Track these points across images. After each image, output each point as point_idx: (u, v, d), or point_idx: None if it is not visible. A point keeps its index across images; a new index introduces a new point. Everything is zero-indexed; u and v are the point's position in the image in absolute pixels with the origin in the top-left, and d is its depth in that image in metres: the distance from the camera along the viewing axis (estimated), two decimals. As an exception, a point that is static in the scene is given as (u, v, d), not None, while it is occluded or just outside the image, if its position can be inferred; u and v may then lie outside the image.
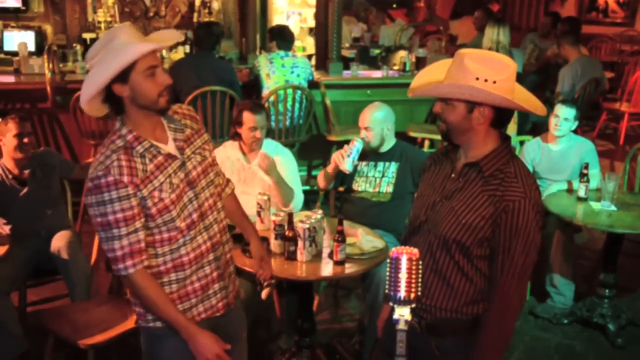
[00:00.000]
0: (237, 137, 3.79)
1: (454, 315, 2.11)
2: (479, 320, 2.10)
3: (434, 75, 2.13)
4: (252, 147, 3.77)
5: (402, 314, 1.52)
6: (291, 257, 2.99)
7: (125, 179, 2.05)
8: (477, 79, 1.95)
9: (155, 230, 2.14)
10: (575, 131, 4.35)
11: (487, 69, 1.95)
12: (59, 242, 3.52)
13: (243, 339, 2.56)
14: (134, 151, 2.09)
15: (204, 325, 2.25)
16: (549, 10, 10.18)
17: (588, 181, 3.95)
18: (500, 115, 2.03)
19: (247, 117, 3.68)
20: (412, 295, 1.52)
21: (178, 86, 5.19)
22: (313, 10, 7.53)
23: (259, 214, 3.39)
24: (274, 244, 3.06)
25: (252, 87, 5.60)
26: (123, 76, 2.03)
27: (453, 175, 2.14)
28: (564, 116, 4.15)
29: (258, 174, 3.79)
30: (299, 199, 3.78)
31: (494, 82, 1.95)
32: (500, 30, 5.76)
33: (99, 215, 2.05)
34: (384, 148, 3.78)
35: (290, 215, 3.02)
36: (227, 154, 3.83)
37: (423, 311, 2.14)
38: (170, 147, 2.19)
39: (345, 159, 3.56)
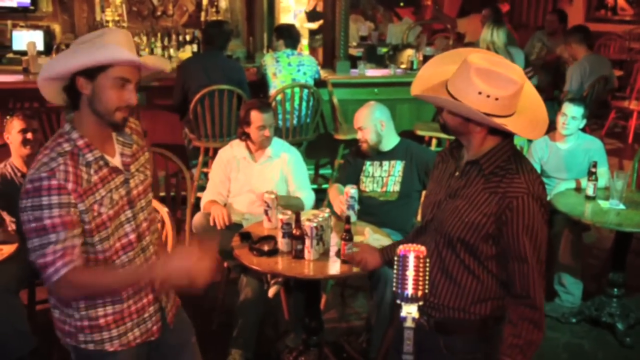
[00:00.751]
0: (244, 136, 3.80)
1: (462, 315, 2.11)
2: (487, 320, 2.10)
3: (439, 74, 2.10)
4: (261, 146, 3.78)
5: (410, 311, 1.52)
6: (299, 255, 2.99)
7: (70, 186, 1.93)
8: (480, 93, 1.93)
9: (91, 249, 2.02)
10: (583, 129, 4.34)
11: (491, 86, 1.93)
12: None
13: (192, 344, 2.47)
14: (81, 158, 1.99)
15: (140, 349, 2.19)
16: (556, 8, 10.14)
17: (596, 180, 3.93)
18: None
19: (255, 116, 3.69)
20: (420, 292, 1.51)
21: (186, 85, 5.21)
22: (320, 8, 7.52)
23: (266, 212, 3.39)
24: (282, 243, 3.07)
25: (259, 86, 5.61)
26: (91, 73, 1.96)
27: (457, 173, 2.14)
28: (571, 114, 4.14)
29: (264, 173, 3.80)
30: (309, 196, 3.79)
31: (496, 99, 1.93)
32: (494, 32, 5.72)
33: (34, 220, 1.90)
34: (387, 146, 3.77)
35: (297, 214, 3.02)
36: (234, 153, 3.84)
37: (431, 309, 2.14)
38: (116, 161, 2.11)
39: (348, 212, 3.45)
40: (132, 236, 2.13)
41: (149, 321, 2.22)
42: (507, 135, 2.07)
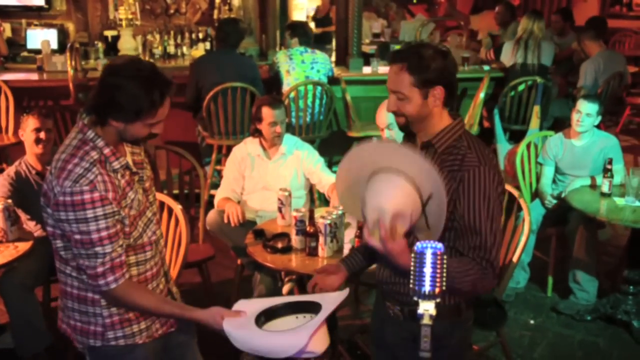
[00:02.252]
0: (257, 133, 3.80)
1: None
2: (460, 305, 2.13)
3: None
4: (273, 142, 3.78)
5: (427, 308, 1.51)
6: (312, 252, 2.99)
7: (110, 195, 1.97)
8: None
9: (128, 249, 2.08)
10: (598, 126, 4.30)
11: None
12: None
13: (195, 343, 2.51)
14: (109, 166, 2.02)
15: (159, 342, 2.24)
16: (571, 5, 10.07)
17: (612, 177, 3.90)
18: (451, 92, 2.07)
19: (267, 113, 3.70)
20: (437, 289, 1.51)
21: (200, 83, 5.21)
22: (333, 6, 7.52)
23: (280, 209, 3.39)
24: (295, 240, 3.07)
25: (272, 83, 5.61)
26: (128, 119, 2.00)
27: None
28: (586, 111, 4.10)
29: (278, 170, 3.80)
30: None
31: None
32: (536, 23, 5.97)
33: (79, 232, 1.94)
34: None
35: (311, 211, 3.02)
36: (248, 150, 3.85)
37: (404, 296, 2.15)
38: (130, 162, 2.14)
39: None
40: (158, 232, 2.23)
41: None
42: (456, 117, 2.13)
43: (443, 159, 2.06)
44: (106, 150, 2.02)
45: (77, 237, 1.95)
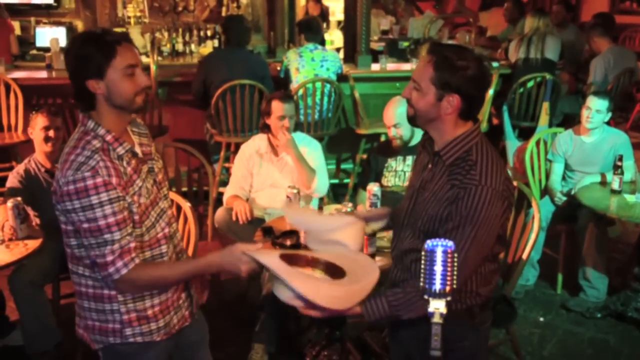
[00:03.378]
0: (265, 128, 3.80)
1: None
2: (472, 307, 2.11)
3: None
4: (281, 137, 3.77)
5: (437, 307, 1.51)
6: (321, 250, 2.98)
7: (114, 180, 1.96)
8: None
9: (139, 239, 2.06)
10: (608, 123, 4.28)
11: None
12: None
13: (206, 343, 2.51)
14: (113, 153, 2.01)
15: (172, 340, 2.24)
16: (581, 1, 10.01)
17: (622, 173, 3.88)
18: (470, 105, 2.01)
19: (276, 106, 3.70)
20: (448, 288, 1.50)
21: (208, 80, 5.21)
22: (341, 3, 7.50)
23: (288, 207, 3.38)
24: (304, 237, 3.06)
25: (280, 81, 5.59)
26: (98, 71, 1.97)
27: (429, 165, 2.14)
28: (596, 108, 4.08)
29: (287, 167, 3.80)
30: (323, 183, 3.78)
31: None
32: (541, 20, 6.05)
33: (87, 220, 1.93)
34: (415, 141, 3.75)
35: (320, 209, 3.01)
36: (256, 147, 3.85)
37: None
38: (138, 151, 2.13)
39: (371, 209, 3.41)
40: (173, 224, 2.22)
41: (183, 307, 2.27)
42: (475, 122, 2.08)
43: (451, 170, 2.03)
44: (108, 137, 2.01)
45: (85, 225, 1.94)
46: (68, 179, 1.92)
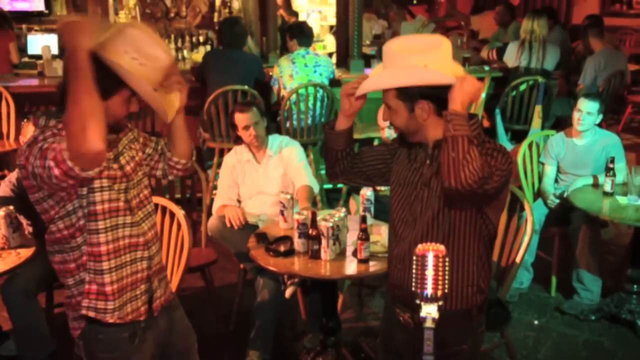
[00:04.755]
0: (239, 140, 3.84)
1: (446, 306, 2.09)
2: (471, 310, 2.11)
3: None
4: (253, 145, 3.79)
5: (429, 311, 1.51)
6: (315, 256, 2.98)
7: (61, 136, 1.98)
8: (406, 67, 2.00)
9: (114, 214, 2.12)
10: (600, 125, 4.29)
11: (411, 51, 1.98)
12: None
13: (194, 352, 2.51)
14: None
15: (155, 349, 2.26)
16: (572, 3, 10.07)
17: (614, 175, 3.89)
18: (441, 104, 2.01)
19: (238, 118, 3.74)
20: (439, 292, 1.51)
21: (207, 79, 5.32)
22: (333, 8, 7.51)
23: (282, 213, 3.39)
24: (298, 243, 3.06)
25: (266, 89, 5.61)
26: (105, 94, 1.97)
27: (428, 161, 2.13)
28: (586, 110, 4.09)
29: (268, 173, 3.81)
30: (314, 183, 3.78)
31: (425, 65, 1.98)
32: (535, 21, 5.93)
33: (39, 158, 1.93)
34: None
35: (313, 214, 3.02)
36: (238, 157, 3.87)
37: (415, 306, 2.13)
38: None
39: (364, 213, 3.38)
40: (121, 204, 2.17)
41: (139, 299, 2.25)
42: None
43: None
44: (60, 125, 2.01)
45: (38, 162, 1.93)
46: (23, 148, 1.99)
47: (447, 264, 1.52)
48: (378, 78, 2.08)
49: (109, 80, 1.99)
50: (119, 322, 2.19)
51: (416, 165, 2.17)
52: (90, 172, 1.94)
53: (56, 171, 1.90)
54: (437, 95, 2.01)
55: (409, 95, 2.01)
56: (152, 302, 2.30)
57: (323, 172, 5.28)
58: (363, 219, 2.91)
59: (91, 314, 2.16)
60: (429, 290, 1.50)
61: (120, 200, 2.15)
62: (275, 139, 3.90)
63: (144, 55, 2.03)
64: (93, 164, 1.91)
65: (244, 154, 3.85)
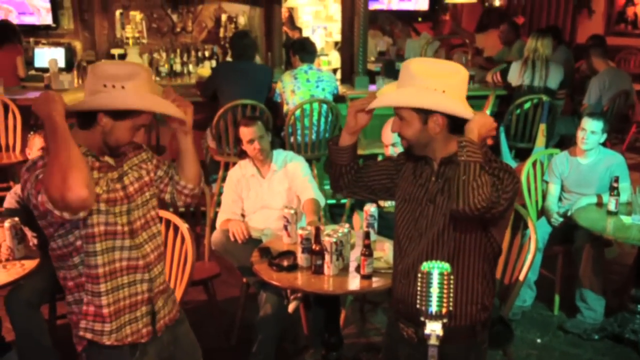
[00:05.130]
0: (243, 154, 3.86)
1: (450, 322, 2.09)
2: (475, 325, 2.11)
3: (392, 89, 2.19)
4: (257, 159, 3.80)
5: (434, 329, 1.51)
6: (318, 271, 2.98)
7: None
8: (427, 89, 2.01)
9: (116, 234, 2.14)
10: (604, 144, 4.30)
11: (434, 75, 2.01)
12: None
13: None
14: None
15: (125, 350, 2.23)
16: (576, 23, 10.11)
17: (618, 195, 3.89)
18: (455, 120, 2.05)
19: (243, 132, 3.77)
20: (444, 309, 1.51)
21: (219, 90, 5.37)
22: (338, 24, 7.56)
23: (285, 227, 3.39)
24: (301, 258, 3.06)
25: (272, 105, 5.64)
26: (118, 115, 2.06)
27: (433, 178, 2.15)
28: (591, 129, 4.10)
29: (273, 187, 3.82)
30: (320, 197, 3.78)
31: (443, 91, 2.01)
32: (539, 41, 5.92)
33: (33, 187, 1.98)
34: None
35: (317, 229, 3.02)
36: (242, 172, 3.88)
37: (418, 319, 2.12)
38: (109, 159, 2.20)
39: (368, 229, 3.40)
40: (124, 227, 2.19)
41: (140, 321, 2.24)
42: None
43: None
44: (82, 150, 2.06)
45: (34, 192, 1.97)
46: (23, 171, 2.04)
47: (452, 281, 1.52)
48: (397, 95, 2.10)
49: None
50: (116, 344, 2.19)
51: (421, 181, 2.18)
52: (81, 214, 2.00)
53: (48, 208, 1.96)
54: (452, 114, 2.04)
55: (425, 108, 2.04)
56: (155, 322, 2.29)
57: (327, 187, 5.29)
58: (366, 235, 2.91)
59: (88, 335, 2.17)
60: (433, 308, 1.51)
61: (118, 224, 2.16)
62: (279, 154, 3.91)
63: (120, 77, 2.07)
64: (80, 209, 1.96)
65: (249, 169, 3.87)
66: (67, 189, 1.87)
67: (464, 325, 2.10)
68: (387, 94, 2.13)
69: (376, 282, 2.92)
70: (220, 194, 5.22)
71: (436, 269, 1.51)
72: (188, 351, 2.42)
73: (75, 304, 2.17)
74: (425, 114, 2.04)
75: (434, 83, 2.01)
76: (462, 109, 2.02)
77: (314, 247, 3.00)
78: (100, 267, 2.12)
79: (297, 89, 5.45)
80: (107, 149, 2.15)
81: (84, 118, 2.10)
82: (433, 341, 1.50)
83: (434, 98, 2.01)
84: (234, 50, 5.64)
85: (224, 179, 5.23)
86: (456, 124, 2.06)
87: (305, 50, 5.63)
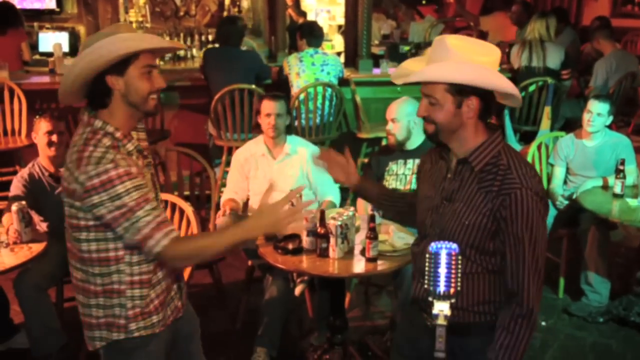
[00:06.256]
0: (257, 128, 3.85)
1: (473, 316, 2.07)
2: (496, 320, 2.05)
3: (418, 65, 2.11)
4: (268, 135, 3.78)
5: (442, 309, 1.52)
6: (323, 254, 2.98)
7: (133, 170, 2.01)
8: (468, 63, 1.93)
9: None
10: (610, 127, 4.28)
11: (471, 51, 1.92)
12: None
13: (198, 336, 2.53)
14: (123, 149, 2.05)
15: (169, 334, 2.26)
16: (582, 4, 10.02)
17: (624, 177, 3.88)
18: (488, 104, 1.98)
19: (265, 104, 3.76)
20: (452, 290, 1.51)
21: (208, 77, 5.39)
22: (342, 7, 7.53)
23: (290, 211, 3.39)
24: (306, 241, 3.07)
25: (280, 86, 5.63)
26: (120, 68, 2.02)
27: (449, 175, 2.09)
28: (597, 111, 4.09)
29: (284, 170, 3.80)
30: (337, 196, 3.78)
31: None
32: (538, 22, 5.91)
33: (116, 208, 1.95)
34: (413, 145, 3.74)
35: (322, 213, 3.02)
36: (251, 151, 3.84)
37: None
38: (140, 136, 2.22)
39: (373, 211, 3.41)
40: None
41: (175, 298, 2.29)
42: (494, 130, 2.04)
43: (481, 177, 1.99)
44: (118, 134, 2.05)
45: (117, 213, 1.96)
46: (90, 174, 1.94)
47: (460, 262, 1.52)
48: (438, 69, 1.95)
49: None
50: (161, 330, 2.21)
51: (439, 179, 2.15)
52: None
53: (134, 238, 1.99)
54: (488, 96, 1.97)
55: (462, 90, 1.94)
56: (182, 296, 2.34)
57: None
58: (372, 218, 2.91)
59: (143, 332, 2.16)
60: (441, 288, 1.51)
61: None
62: (295, 139, 3.90)
63: (99, 37, 2.06)
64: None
65: (260, 147, 3.84)
66: (179, 260, 2.08)
67: (486, 321, 2.06)
68: (427, 69, 1.98)
69: (381, 265, 2.92)
70: (224, 178, 5.25)
71: (444, 249, 1.51)
72: (190, 320, 2.45)
73: (97, 307, 2.13)
74: (460, 96, 1.95)
75: (475, 58, 1.91)
76: (511, 86, 1.92)
77: (319, 230, 3.00)
78: (153, 265, 2.14)
79: (302, 72, 5.44)
80: (137, 112, 2.10)
81: (96, 95, 2.07)
82: (441, 321, 1.51)
83: (479, 73, 1.90)
84: (218, 36, 5.67)
85: (227, 164, 5.25)
86: (488, 109, 1.99)
87: (312, 34, 5.60)
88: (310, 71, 5.43)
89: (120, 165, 1.96)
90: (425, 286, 1.53)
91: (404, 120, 3.67)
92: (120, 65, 2.02)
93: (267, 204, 2.09)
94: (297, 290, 3.48)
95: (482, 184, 1.98)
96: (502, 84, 1.93)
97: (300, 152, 3.82)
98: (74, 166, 1.98)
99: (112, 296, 2.11)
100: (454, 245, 1.52)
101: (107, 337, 2.15)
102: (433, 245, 1.53)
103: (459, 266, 1.52)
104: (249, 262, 3.81)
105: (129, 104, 2.07)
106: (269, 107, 3.73)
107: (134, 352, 2.18)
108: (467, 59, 1.92)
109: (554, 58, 5.93)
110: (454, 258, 1.51)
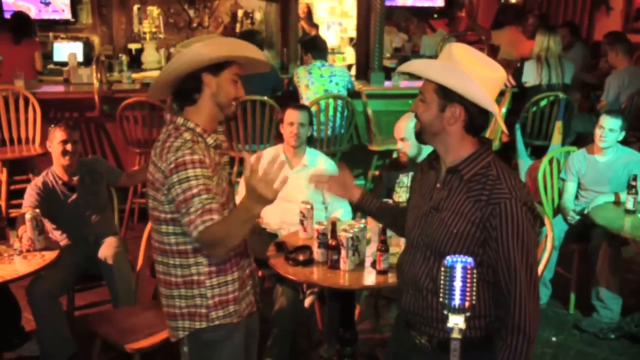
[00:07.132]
0: (279, 137, 3.89)
1: (465, 332, 2.04)
2: (491, 334, 2.03)
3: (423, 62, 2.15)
4: (289, 144, 3.80)
5: (456, 322, 1.51)
6: (334, 266, 2.99)
7: (207, 161, 2.14)
8: (460, 71, 1.95)
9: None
10: (623, 142, 4.28)
11: (472, 62, 1.95)
12: (107, 249, 3.59)
13: (257, 334, 2.63)
14: (203, 143, 2.19)
15: (244, 329, 2.35)
16: (594, 19, 10.01)
17: (637, 193, 3.87)
18: (473, 119, 1.97)
19: (290, 113, 3.82)
20: (467, 303, 1.51)
21: None
22: (354, 20, 7.56)
23: (302, 222, 3.40)
24: (317, 253, 3.07)
25: (290, 97, 5.65)
26: (217, 69, 2.17)
27: (438, 185, 2.09)
28: (609, 127, 4.08)
29: (299, 182, 3.80)
30: (347, 211, 3.79)
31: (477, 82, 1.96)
32: (551, 39, 5.87)
33: (182, 192, 2.08)
34: (422, 158, 3.74)
35: (333, 224, 3.03)
36: (267, 158, 3.84)
37: (431, 328, 2.06)
38: (220, 138, 2.32)
39: None
40: None
41: (250, 293, 2.40)
42: (484, 144, 2.05)
43: (469, 186, 1.98)
44: (198, 129, 2.19)
45: (181, 197, 2.08)
46: (170, 160, 2.10)
47: (475, 275, 1.51)
48: (426, 65, 2.04)
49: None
50: (238, 320, 2.31)
51: (427, 189, 2.14)
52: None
53: (183, 220, 2.11)
54: (473, 110, 1.97)
55: (448, 94, 1.96)
56: (256, 293, 2.46)
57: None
58: (383, 231, 2.91)
59: (222, 321, 2.27)
60: (456, 301, 1.50)
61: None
62: (314, 152, 3.93)
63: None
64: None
65: (280, 156, 3.85)
66: (211, 246, 2.13)
67: (480, 335, 2.03)
68: (418, 61, 2.07)
69: (392, 278, 2.91)
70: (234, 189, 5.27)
71: (459, 263, 1.51)
72: (257, 319, 2.55)
73: (180, 298, 2.25)
74: (445, 100, 1.96)
75: (470, 69, 1.94)
76: (488, 101, 1.93)
77: (330, 242, 3.01)
78: (228, 257, 2.26)
79: (310, 84, 5.47)
80: (221, 113, 2.25)
81: (186, 91, 2.21)
82: (455, 334, 1.51)
83: (462, 80, 1.93)
84: None
85: (238, 174, 5.27)
86: (473, 124, 1.99)
87: (316, 48, 5.65)
88: (319, 83, 5.46)
89: (196, 153, 2.11)
90: (441, 299, 1.53)
91: (413, 138, 3.67)
92: (218, 66, 2.18)
93: (247, 182, 2.10)
94: (307, 302, 3.48)
95: (471, 193, 1.97)
96: (482, 99, 1.94)
97: (318, 165, 3.83)
98: (158, 158, 2.14)
99: (193, 287, 2.24)
100: (469, 259, 1.52)
101: (190, 327, 2.26)
102: (448, 259, 1.52)
103: (474, 280, 1.52)
104: (259, 273, 3.81)
105: (215, 104, 2.22)
106: (293, 116, 3.78)
107: (219, 344, 2.29)
108: (465, 68, 1.95)
109: (569, 74, 5.93)
110: (469, 271, 1.51)
